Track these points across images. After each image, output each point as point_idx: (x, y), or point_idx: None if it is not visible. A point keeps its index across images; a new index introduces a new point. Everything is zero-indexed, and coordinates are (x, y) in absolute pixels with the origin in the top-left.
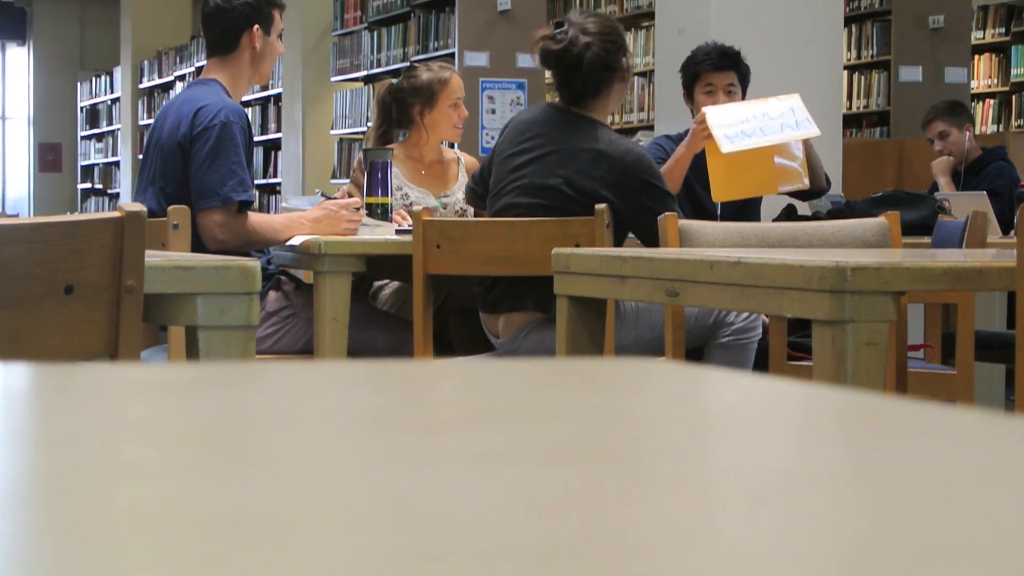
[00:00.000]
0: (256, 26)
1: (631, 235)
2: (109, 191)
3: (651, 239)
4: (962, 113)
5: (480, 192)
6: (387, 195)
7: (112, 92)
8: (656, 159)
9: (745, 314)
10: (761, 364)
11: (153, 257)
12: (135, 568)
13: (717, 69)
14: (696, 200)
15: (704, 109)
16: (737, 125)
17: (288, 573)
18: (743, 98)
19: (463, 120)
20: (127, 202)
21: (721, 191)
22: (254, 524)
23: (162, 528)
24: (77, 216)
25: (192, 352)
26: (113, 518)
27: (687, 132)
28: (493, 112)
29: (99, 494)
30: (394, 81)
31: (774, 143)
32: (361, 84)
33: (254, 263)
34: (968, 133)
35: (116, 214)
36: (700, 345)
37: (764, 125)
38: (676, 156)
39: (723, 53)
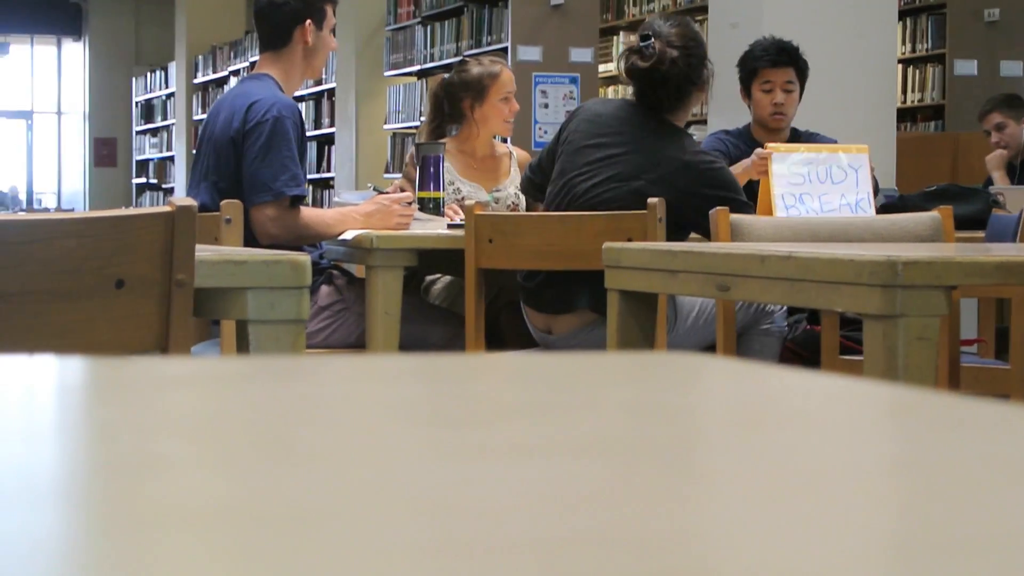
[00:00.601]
0: (308, 21)
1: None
2: (164, 186)
3: None
4: (1020, 106)
5: (538, 181)
6: (439, 189)
7: (167, 87)
8: (714, 151)
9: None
10: (814, 358)
11: (204, 251)
12: (181, 560)
13: (775, 66)
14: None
15: (769, 147)
16: (797, 185)
17: (330, 565)
18: (801, 95)
19: (514, 115)
20: (179, 197)
21: None
22: (297, 516)
23: (207, 520)
24: (128, 211)
25: (243, 346)
26: (161, 511)
27: (746, 127)
28: (546, 107)
29: (148, 487)
30: (446, 76)
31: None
32: (414, 78)
33: (304, 257)
34: None
35: (167, 209)
36: (740, 332)
37: (825, 195)
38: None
39: (781, 49)
